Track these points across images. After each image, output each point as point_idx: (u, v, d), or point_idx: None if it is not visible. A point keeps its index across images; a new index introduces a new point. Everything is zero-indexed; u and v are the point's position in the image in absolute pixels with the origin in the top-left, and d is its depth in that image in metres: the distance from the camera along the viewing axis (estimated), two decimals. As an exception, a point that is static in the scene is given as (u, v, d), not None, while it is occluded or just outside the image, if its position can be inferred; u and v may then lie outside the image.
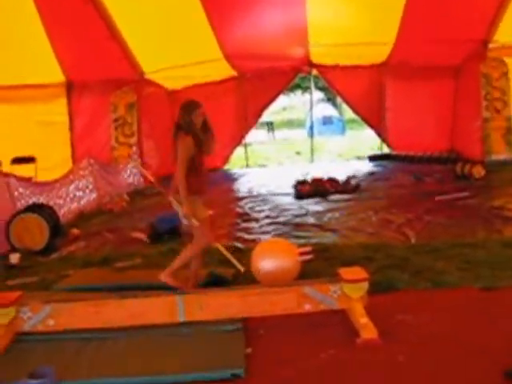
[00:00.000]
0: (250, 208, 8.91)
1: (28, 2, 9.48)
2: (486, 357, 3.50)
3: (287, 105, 34.30)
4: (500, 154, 11.37)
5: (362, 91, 13.40)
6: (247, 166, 14.61)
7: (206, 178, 4.96)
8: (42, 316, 4.14)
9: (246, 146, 14.73)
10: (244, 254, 5.81)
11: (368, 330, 3.79)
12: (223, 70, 12.69)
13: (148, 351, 3.81)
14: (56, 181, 8.95)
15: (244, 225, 7.70)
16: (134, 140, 11.77)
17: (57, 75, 11.32)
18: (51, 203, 8.23)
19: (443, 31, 10.46)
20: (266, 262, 4.79)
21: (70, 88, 11.73)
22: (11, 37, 9.89)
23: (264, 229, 7.37)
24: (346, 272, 4.09)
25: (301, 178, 10.68)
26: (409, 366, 3.47)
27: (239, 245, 6.51)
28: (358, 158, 14.84)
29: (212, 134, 4.91)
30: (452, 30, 10.43)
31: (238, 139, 13.81)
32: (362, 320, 3.85)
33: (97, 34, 10.27)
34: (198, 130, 4.78)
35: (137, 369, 3.59)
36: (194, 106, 4.81)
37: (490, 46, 11.15)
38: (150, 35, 10.59)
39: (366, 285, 3.99)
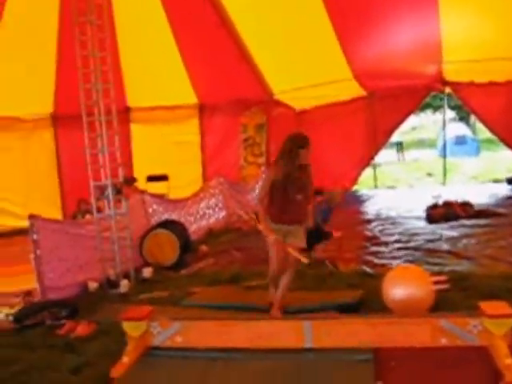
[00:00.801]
0: (380, 231, 8.63)
1: (166, 30, 10.00)
2: None
3: (417, 124, 33.30)
4: None
5: (500, 109, 12.59)
6: (376, 187, 14.25)
7: (293, 209, 4.87)
8: (170, 332, 4.20)
9: (374, 166, 14.40)
10: (374, 279, 5.60)
11: (513, 372, 3.45)
12: (352, 90, 12.50)
13: (273, 377, 3.73)
14: (187, 198, 9.25)
15: (373, 248, 7.45)
16: (262, 160, 11.92)
17: (190, 97, 11.78)
18: (182, 220, 8.49)
19: None
20: (397, 290, 4.56)
21: (202, 109, 12.15)
22: (150, 62, 10.47)
23: (394, 253, 7.08)
24: (487, 306, 3.75)
25: (432, 200, 10.20)
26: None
27: (368, 269, 6.29)
28: (495, 180, 13.94)
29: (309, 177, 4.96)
30: None
31: (366, 160, 13.49)
32: (507, 360, 3.49)
33: (228, 57, 10.57)
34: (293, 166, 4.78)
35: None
36: (306, 142, 4.78)
37: None
38: (280, 56, 10.70)
39: (511, 321, 3.63)
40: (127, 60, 10.39)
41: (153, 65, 10.64)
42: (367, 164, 13.66)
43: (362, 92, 12.78)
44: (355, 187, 13.79)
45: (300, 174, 4.84)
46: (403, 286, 4.56)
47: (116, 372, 3.90)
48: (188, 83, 11.35)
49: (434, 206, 9.60)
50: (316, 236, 6.52)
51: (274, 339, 4.02)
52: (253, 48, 10.49)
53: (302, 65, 10.90)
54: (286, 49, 10.48)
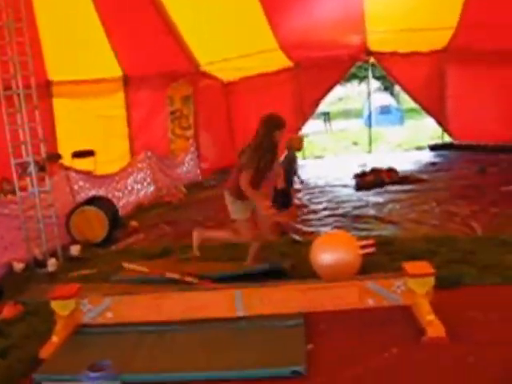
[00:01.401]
0: (308, 199, 8.77)
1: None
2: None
3: (343, 95, 33.83)
4: None
5: (422, 79, 12.98)
6: (304, 157, 14.43)
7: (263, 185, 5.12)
8: (101, 308, 4.15)
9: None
10: (303, 246, 5.70)
11: (435, 328, 3.62)
12: (279, 61, 12.54)
13: (206, 346, 3.76)
14: (115, 174, 9.08)
15: (302, 217, 7.57)
16: (190, 133, 11.80)
17: (114, 70, 11.46)
18: (110, 196, 8.34)
19: (509, 13, 9.97)
20: (326, 256, 4.65)
21: (128, 82, 11.86)
22: (70, 33, 10.06)
23: (323, 221, 7.23)
24: (410, 266, 3.91)
25: (359, 168, 10.44)
26: (479, 368, 3.27)
27: (297, 237, 6.40)
28: (418, 148, 14.41)
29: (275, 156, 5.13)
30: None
31: (294, 130, 13.62)
32: (429, 317, 3.68)
33: (152, 28, 10.32)
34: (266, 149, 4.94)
35: (195, 364, 3.54)
36: (280, 125, 4.97)
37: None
38: (205, 27, 10.54)
39: (432, 280, 3.80)
40: (46, 31, 9.96)
41: (74, 36, 10.23)
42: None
43: (288, 63, 12.83)
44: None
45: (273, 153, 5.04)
46: (331, 252, 4.65)
47: (45, 352, 3.83)
48: (112, 55, 11.01)
49: (362, 174, 9.84)
50: (285, 199, 6.61)
51: (205, 310, 4.04)
52: (177, 19, 10.29)
53: (228, 36, 10.80)
54: (212, 19, 10.33)
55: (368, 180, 9.41)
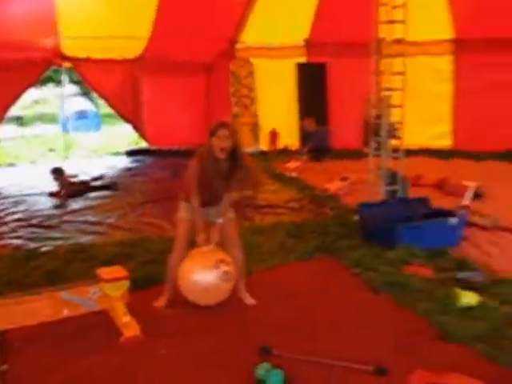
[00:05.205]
0: (1, 211, 8.21)
1: None
2: (242, 342, 3.77)
3: (39, 98, 32.26)
4: (248, 147, 12.23)
5: (116, 85, 13.24)
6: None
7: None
8: None
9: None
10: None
11: (130, 328, 3.83)
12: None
13: None
14: None
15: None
16: None
17: None
18: None
19: (195, 28, 10.87)
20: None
21: None
22: None
23: (17, 232, 6.84)
24: (105, 272, 4.03)
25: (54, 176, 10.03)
26: (170, 358, 3.59)
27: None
28: (115, 153, 14.52)
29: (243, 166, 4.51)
30: (203, 27, 10.91)
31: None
32: (125, 318, 3.87)
33: None
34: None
35: None
36: (217, 128, 4.41)
37: (238, 46, 11.93)
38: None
39: (126, 283, 3.98)
40: None
41: None
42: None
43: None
44: None
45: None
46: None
47: None
48: None
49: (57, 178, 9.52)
50: None
51: None
52: None
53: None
54: None
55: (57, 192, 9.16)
